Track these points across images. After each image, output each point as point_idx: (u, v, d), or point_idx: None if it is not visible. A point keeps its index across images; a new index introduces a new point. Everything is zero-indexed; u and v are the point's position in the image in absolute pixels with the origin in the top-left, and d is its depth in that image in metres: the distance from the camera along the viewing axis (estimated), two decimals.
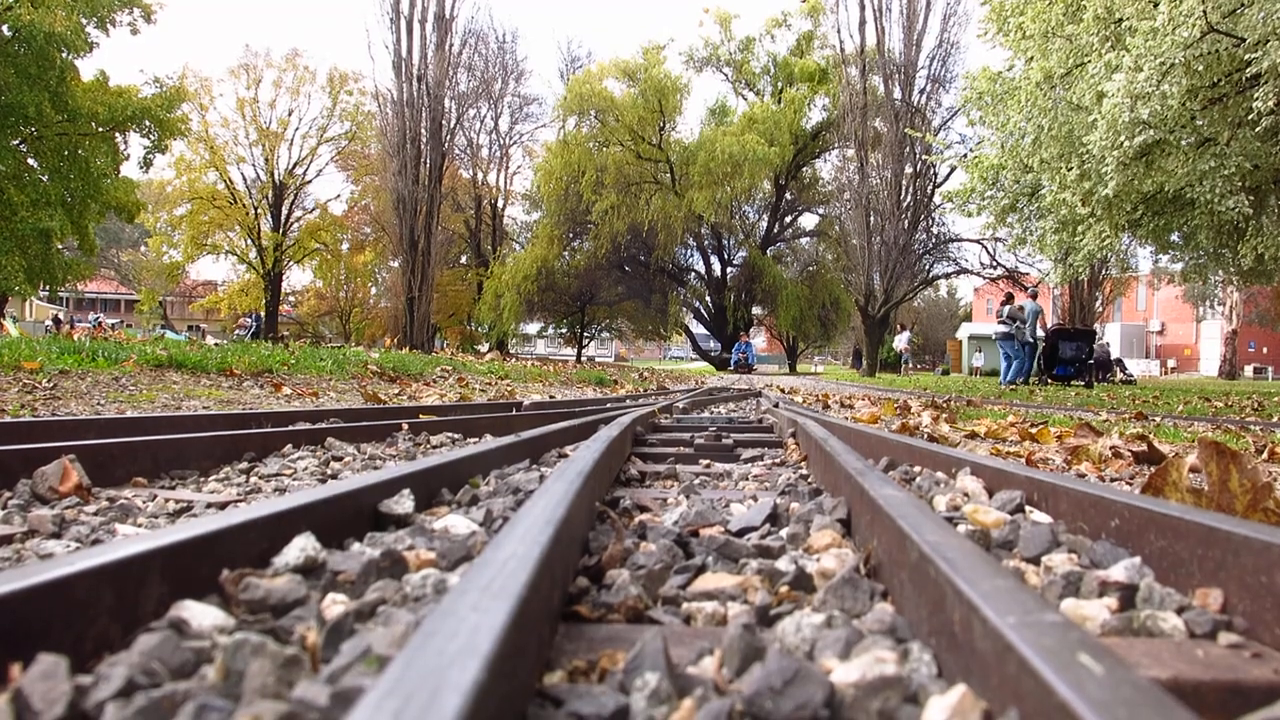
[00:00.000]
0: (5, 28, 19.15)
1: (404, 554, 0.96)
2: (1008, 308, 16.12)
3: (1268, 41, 7.39)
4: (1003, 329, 16.10)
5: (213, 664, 0.64)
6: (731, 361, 31.63)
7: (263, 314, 37.58)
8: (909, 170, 30.07)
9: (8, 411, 3.56)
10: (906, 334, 29.42)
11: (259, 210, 41.21)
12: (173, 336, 16.05)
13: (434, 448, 2.84)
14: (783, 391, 10.17)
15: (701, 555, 1.15)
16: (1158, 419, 5.76)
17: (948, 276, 38.29)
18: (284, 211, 41.87)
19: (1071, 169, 9.78)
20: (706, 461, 2.57)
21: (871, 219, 29.79)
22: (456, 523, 1.20)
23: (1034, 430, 3.89)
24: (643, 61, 33.89)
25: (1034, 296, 16.88)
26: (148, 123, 22.35)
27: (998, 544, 1.21)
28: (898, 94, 30.01)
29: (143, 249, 48.19)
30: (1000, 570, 0.72)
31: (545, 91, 76.50)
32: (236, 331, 32.10)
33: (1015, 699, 0.54)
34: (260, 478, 2.06)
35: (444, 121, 31.99)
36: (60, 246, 22.29)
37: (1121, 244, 12.04)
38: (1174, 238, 12.02)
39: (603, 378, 12.13)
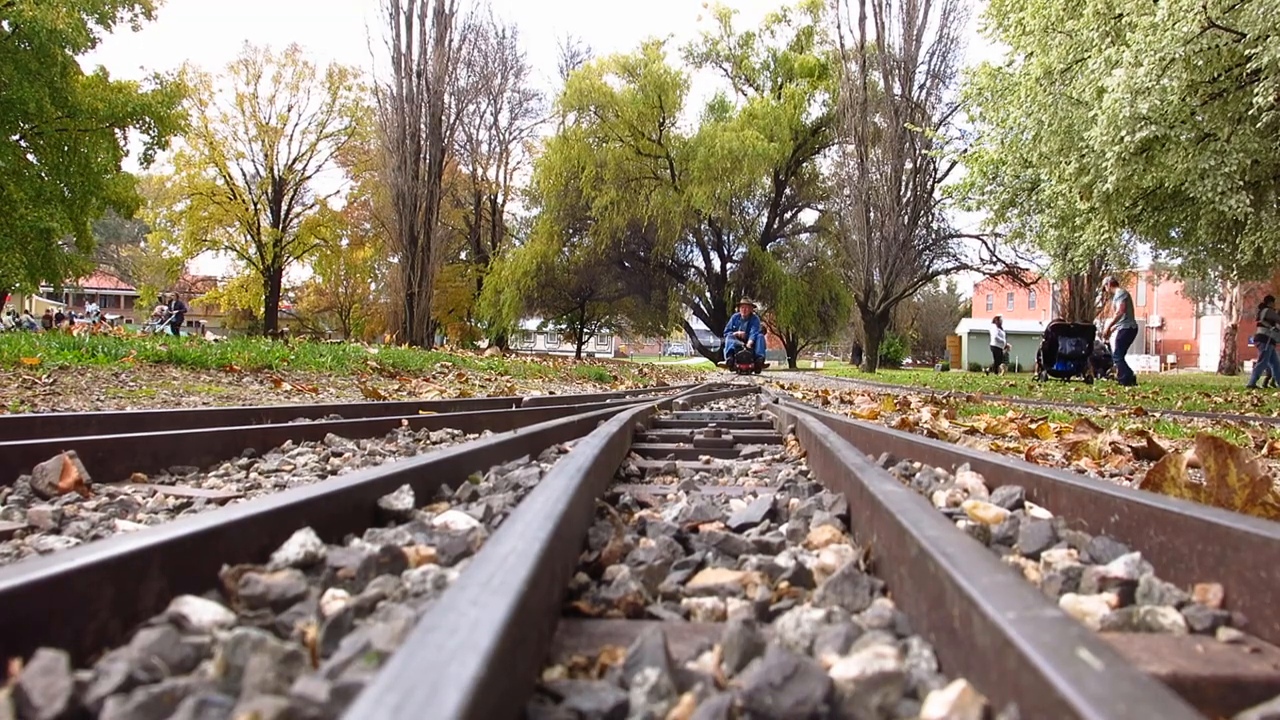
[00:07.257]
0: (6, 23, 19.11)
1: (404, 550, 0.96)
2: (1265, 310, 16.42)
3: (1268, 37, 7.38)
4: (1260, 330, 16.62)
5: (213, 659, 0.64)
6: (726, 350, 19.73)
7: (185, 301, 30.05)
8: (909, 165, 30.13)
9: (8, 407, 3.56)
10: (1000, 329, 24.31)
11: (258, 206, 41.19)
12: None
13: (434, 444, 2.84)
14: (782, 387, 10.16)
15: (701, 551, 1.15)
16: (1157, 415, 5.76)
17: (947, 272, 38.36)
18: (283, 207, 41.86)
19: (1071, 164, 9.77)
20: (706, 457, 2.57)
21: (871, 214, 29.83)
22: (456, 519, 1.20)
23: (1034, 426, 3.89)
24: (642, 57, 33.86)
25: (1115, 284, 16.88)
26: (147, 118, 22.32)
27: (997, 539, 1.21)
28: (898, 89, 30.05)
29: (142, 245, 48.15)
30: (1000, 566, 0.72)
31: (545, 87, 76.58)
32: (149, 321, 25.19)
33: (1015, 694, 0.54)
34: (260, 474, 2.06)
35: (443, 117, 32.03)
36: (60, 242, 22.27)
37: (1121, 239, 12.05)
38: (1173, 233, 12.02)
39: (602, 374, 12.12)
